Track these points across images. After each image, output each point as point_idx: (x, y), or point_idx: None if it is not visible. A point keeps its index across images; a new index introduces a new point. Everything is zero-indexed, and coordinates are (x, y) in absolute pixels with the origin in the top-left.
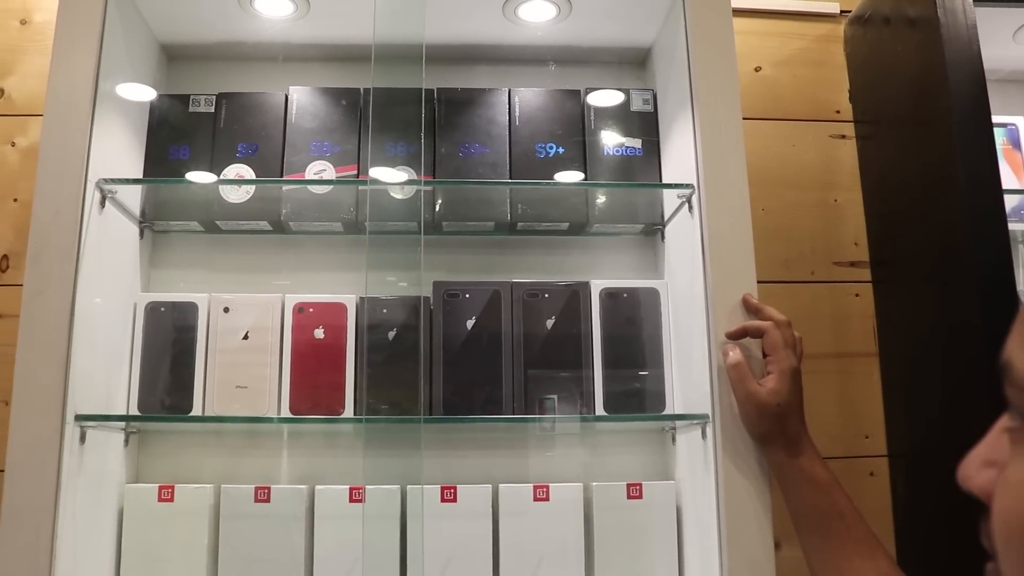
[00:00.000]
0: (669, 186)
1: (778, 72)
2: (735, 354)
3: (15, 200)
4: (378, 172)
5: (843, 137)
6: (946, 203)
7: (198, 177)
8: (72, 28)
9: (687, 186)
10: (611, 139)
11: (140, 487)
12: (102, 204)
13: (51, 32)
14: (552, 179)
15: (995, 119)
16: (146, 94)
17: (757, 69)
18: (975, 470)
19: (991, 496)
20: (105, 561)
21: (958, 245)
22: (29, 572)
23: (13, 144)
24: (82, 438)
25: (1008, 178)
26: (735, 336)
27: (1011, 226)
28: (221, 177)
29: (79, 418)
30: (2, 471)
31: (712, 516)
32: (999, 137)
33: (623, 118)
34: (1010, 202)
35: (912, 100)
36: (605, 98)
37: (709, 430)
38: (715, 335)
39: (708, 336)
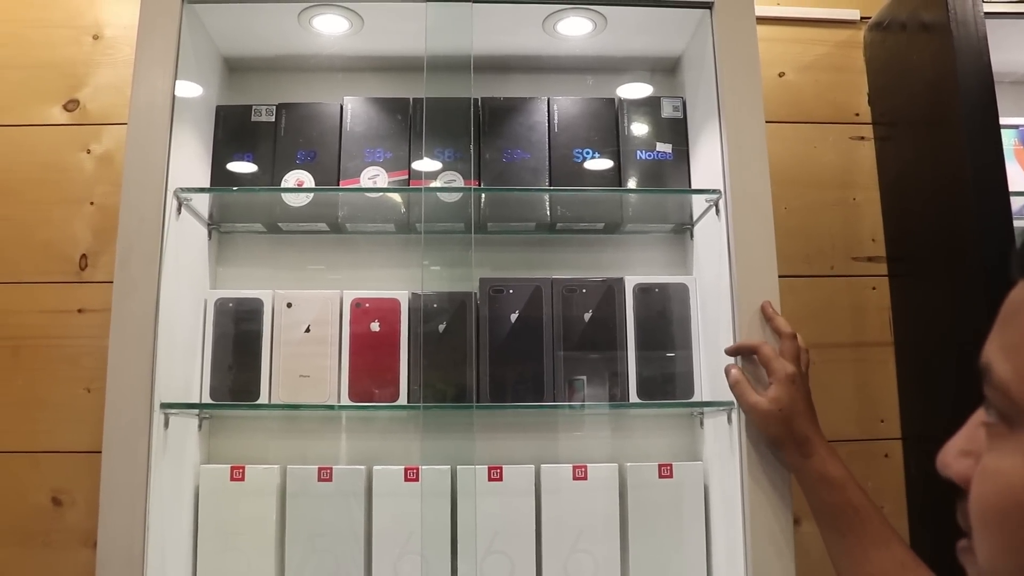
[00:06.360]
0: (698, 192)
1: (801, 77)
2: (735, 372)
3: (91, 203)
4: (422, 165)
5: (862, 139)
6: (956, 202)
7: (262, 187)
8: (151, 46)
9: (714, 191)
10: (643, 144)
11: (214, 468)
12: (179, 211)
13: (121, 46)
14: (589, 182)
15: (1007, 120)
16: (212, 104)
17: (781, 74)
18: (952, 459)
19: (968, 482)
20: (184, 534)
21: (966, 242)
22: (127, 544)
23: (88, 151)
24: (166, 423)
25: (1019, 177)
26: (732, 353)
27: (1018, 223)
28: (283, 182)
29: (164, 406)
30: (98, 452)
31: (736, 495)
32: (1011, 138)
33: (655, 124)
34: (1019, 201)
35: (926, 104)
36: (638, 105)
37: (734, 415)
38: (740, 328)
39: (733, 329)
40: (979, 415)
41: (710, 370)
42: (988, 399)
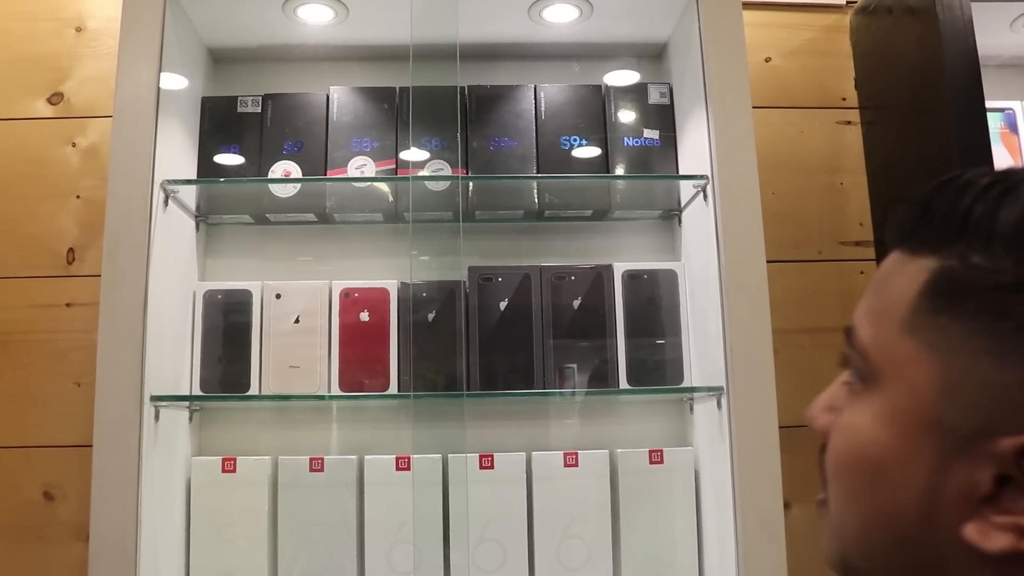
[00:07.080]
0: (685, 177)
1: (787, 62)
2: None
3: (77, 197)
4: (410, 155)
5: (849, 123)
6: None
7: (250, 178)
8: (135, 38)
9: (702, 177)
10: (630, 131)
11: (205, 460)
12: (165, 203)
13: (105, 39)
14: (576, 169)
15: (993, 104)
16: (197, 96)
17: (767, 60)
18: (818, 413)
19: (827, 436)
20: (177, 527)
21: None
22: (119, 537)
23: (74, 145)
24: (156, 416)
25: (1005, 161)
26: None
27: None
28: (269, 173)
29: (154, 398)
30: (89, 446)
31: (727, 479)
32: (997, 121)
33: (641, 111)
34: None
35: (912, 88)
36: (625, 92)
37: (724, 400)
38: (729, 313)
39: (722, 314)
40: (844, 375)
41: (699, 355)
42: (849, 359)
